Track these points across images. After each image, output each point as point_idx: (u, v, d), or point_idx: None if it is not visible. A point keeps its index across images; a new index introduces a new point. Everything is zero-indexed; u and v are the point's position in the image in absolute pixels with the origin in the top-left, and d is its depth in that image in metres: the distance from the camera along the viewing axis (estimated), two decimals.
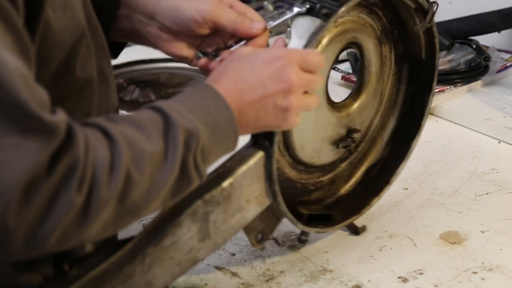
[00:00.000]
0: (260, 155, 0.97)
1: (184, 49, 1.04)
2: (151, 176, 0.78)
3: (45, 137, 0.70)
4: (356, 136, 1.15)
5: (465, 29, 1.69)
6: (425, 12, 1.10)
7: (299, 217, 1.07)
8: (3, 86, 0.69)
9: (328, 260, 1.11)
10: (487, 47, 1.72)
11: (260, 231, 1.03)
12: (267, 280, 1.07)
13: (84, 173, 0.72)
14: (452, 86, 1.60)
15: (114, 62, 1.75)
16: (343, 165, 1.18)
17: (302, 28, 0.98)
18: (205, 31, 1.02)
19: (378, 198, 1.17)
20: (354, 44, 1.10)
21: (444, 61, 1.63)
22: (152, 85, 1.62)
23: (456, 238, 1.15)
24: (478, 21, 1.68)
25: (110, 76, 0.97)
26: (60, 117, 0.73)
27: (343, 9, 0.98)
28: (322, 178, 1.16)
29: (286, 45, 0.99)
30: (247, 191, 0.97)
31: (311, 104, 0.95)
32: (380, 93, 1.18)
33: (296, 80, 0.91)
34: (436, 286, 1.05)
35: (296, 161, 1.10)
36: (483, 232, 1.17)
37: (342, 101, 1.14)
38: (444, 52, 1.65)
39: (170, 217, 0.91)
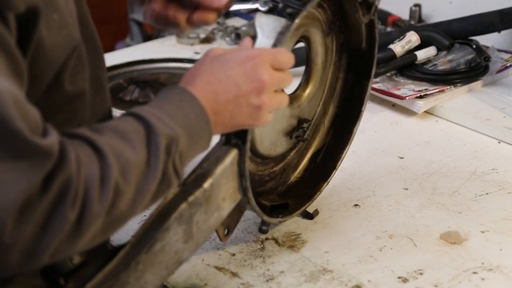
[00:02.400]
0: (234, 153, 0.99)
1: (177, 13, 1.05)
2: (136, 185, 0.80)
3: (39, 160, 0.72)
4: (306, 125, 1.20)
5: (465, 29, 1.69)
6: (369, 5, 1.14)
7: (263, 208, 1.10)
8: None
9: (328, 260, 1.11)
10: (487, 47, 1.72)
11: (227, 226, 1.06)
12: (267, 280, 1.07)
13: (77, 190, 0.74)
14: (452, 86, 1.60)
15: (114, 62, 1.76)
16: (292, 153, 1.23)
17: (268, 27, 1.00)
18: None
19: (327, 183, 1.23)
20: (303, 37, 1.14)
21: (444, 61, 1.63)
22: (152, 85, 1.62)
23: (456, 238, 1.15)
24: (478, 21, 1.69)
25: (105, 84, 0.97)
26: (53, 139, 0.74)
27: (307, 8, 1.01)
28: (275, 168, 1.20)
29: (253, 44, 1.00)
30: (224, 189, 0.99)
31: (282, 102, 0.97)
32: (324, 82, 1.23)
33: (268, 79, 0.92)
34: (436, 286, 1.05)
35: (255, 154, 1.13)
36: (483, 232, 1.17)
37: (293, 93, 1.18)
38: (444, 52, 1.65)
39: (159, 222, 0.92)
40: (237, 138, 0.99)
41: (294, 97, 1.18)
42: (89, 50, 0.91)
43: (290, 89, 1.15)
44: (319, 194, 1.22)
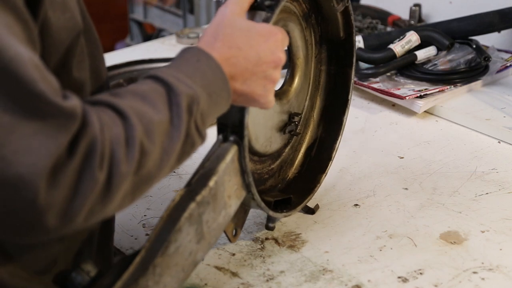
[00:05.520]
0: (234, 149, 1.00)
1: None
2: (162, 145, 0.81)
3: (65, 122, 0.73)
4: (297, 119, 1.21)
5: (465, 29, 1.70)
6: None
7: (267, 204, 1.11)
8: (21, 79, 0.71)
9: (328, 260, 1.11)
10: (487, 47, 1.72)
11: (234, 226, 1.07)
12: (267, 280, 1.07)
13: (103, 151, 0.75)
14: (452, 86, 1.60)
15: (114, 62, 1.76)
16: (287, 149, 1.24)
17: None
18: None
19: (325, 175, 1.24)
20: None
21: (444, 61, 1.63)
22: None
23: (456, 238, 1.15)
24: (478, 21, 1.69)
25: (105, 75, 0.98)
26: (75, 101, 0.75)
27: None
28: (272, 166, 1.21)
29: None
30: (228, 186, 1.00)
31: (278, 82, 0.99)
32: (308, 76, 1.25)
33: (283, 57, 0.95)
34: (436, 286, 1.05)
35: (252, 153, 1.14)
36: (483, 232, 1.17)
37: (280, 89, 1.20)
38: (444, 52, 1.65)
39: (170, 224, 0.92)
40: (235, 135, 1.00)
41: (282, 93, 1.19)
42: (87, 40, 0.92)
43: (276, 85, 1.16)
44: (319, 186, 1.22)
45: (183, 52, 0.90)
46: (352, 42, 1.23)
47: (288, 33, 1.15)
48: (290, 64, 1.20)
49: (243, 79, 0.91)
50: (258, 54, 0.92)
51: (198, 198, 0.94)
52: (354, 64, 1.25)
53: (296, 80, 1.21)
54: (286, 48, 0.98)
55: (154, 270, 0.90)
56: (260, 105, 0.96)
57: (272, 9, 1.00)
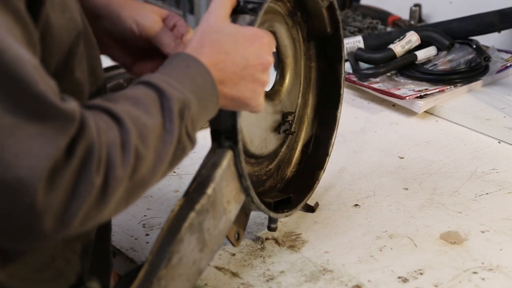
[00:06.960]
0: (229, 155, 1.00)
1: (123, 57, 1.08)
2: (155, 149, 0.81)
3: (64, 124, 0.72)
4: (291, 118, 1.21)
5: (465, 29, 1.70)
6: None
7: (267, 206, 1.11)
8: (22, 80, 0.71)
9: (328, 260, 1.11)
10: (487, 47, 1.72)
11: (236, 231, 1.07)
12: (267, 280, 1.07)
13: (100, 155, 0.74)
14: (452, 86, 1.60)
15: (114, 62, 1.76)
16: (283, 149, 1.24)
17: None
18: (142, 44, 1.06)
19: (323, 171, 1.24)
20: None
21: (444, 61, 1.64)
22: None
23: (456, 238, 1.15)
24: (478, 21, 1.69)
25: (102, 76, 0.98)
26: (74, 104, 0.74)
27: (268, 1, 1.02)
28: (270, 166, 1.21)
29: None
30: (226, 192, 1.00)
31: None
32: (298, 74, 1.25)
33: (271, 60, 0.95)
34: (436, 286, 1.05)
35: (248, 155, 1.14)
36: (483, 232, 1.17)
37: (271, 90, 1.20)
38: (444, 52, 1.65)
39: (171, 235, 0.92)
40: (229, 140, 1.00)
41: (273, 93, 1.19)
42: (85, 41, 0.92)
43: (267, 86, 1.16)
44: (318, 183, 1.22)
45: (172, 58, 0.90)
46: (339, 37, 1.23)
47: (274, 33, 1.15)
48: (279, 64, 1.20)
49: (232, 83, 0.92)
50: (245, 57, 0.92)
51: (197, 207, 0.94)
52: (343, 58, 1.25)
53: (287, 79, 1.21)
54: (274, 49, 0.97)
55: (159, 282, 0.89)
56: (251, 108, 0.96)
57: (256, 11, 1.00)
